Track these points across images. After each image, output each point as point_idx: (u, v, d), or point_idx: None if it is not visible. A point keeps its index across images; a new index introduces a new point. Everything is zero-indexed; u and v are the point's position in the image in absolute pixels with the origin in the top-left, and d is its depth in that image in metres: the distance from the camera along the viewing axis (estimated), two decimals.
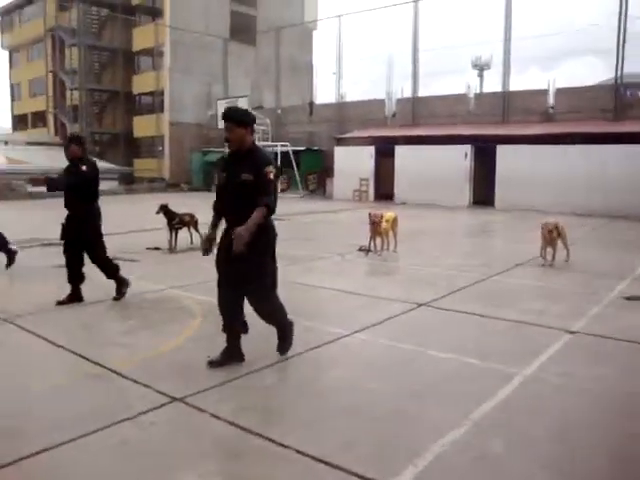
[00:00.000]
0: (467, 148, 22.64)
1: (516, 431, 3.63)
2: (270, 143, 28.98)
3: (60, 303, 6.73)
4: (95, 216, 6.98)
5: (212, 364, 4.63)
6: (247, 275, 4.52)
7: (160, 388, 4.16)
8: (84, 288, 7.00)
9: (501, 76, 25.75)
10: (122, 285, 7.12)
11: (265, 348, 5.06)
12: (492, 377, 4.52)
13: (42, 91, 44.72)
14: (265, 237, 4.55)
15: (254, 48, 39.32)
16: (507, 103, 24.59)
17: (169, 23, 35.35)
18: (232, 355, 4.75)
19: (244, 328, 4.88)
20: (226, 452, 3.38)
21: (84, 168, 6.81)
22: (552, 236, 9.24)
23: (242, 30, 38.57)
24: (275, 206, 4.50)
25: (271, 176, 4.44)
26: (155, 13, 37.90)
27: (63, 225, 6.89)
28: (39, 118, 46.68)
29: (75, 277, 6.88)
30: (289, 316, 4.99)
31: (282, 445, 3.38)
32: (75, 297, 6.88)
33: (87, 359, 4.84)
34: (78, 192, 6.80)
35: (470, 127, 23.82)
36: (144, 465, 3.20)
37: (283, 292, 7.37)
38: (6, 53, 50.36)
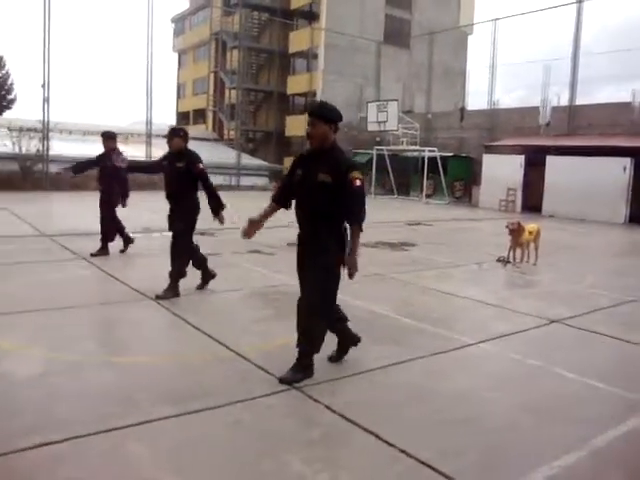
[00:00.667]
0: (626, 161, 21.22)
1: None
2: (418, 148, 28.84)
3: (200, 288, 7.22)
4: (188, 210, 7.04)
5: (282, 381, 4.28)
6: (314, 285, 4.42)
7: (280, 376, 4.35)
8: (224, 276, 7.43)
9: None
10: (207, 277, 7.36)
11: (391, 349, 5.13)
12: (620, 404, 4.26)
13: (204, 90, 47.50)
14: (336, 253, 4.42)
15: (407, 52, 39.30)
16: None
17: (324, 26, 36.20)
18: (306, 367, 4.42)
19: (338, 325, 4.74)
20: (332, 442, 3.48)
21: (179, 165, 6.99)
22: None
23: (396, 34, 38.69)
24: (364, 218, 4.30)
25: (358, 183, 4.16)
26: (312, 17, 39.01)
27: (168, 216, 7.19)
28: (200, 115, 49.63)
29: (197, 263, 7.25)
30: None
31: (387, 442, 3.42)
32: (204, 281, 7.35)
33: (219, 342, 5.17)
34: (173, 186, 7.09)
35: (632, 139, 22.27)
36: (252, 444, 3.38)
37: (415, 296, 7.49)
38: (176, 55, 54.06)
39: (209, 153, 36.50)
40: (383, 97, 34.17)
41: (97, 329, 5.68)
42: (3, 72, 56.38)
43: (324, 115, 4.26)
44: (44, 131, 26.30)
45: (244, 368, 4.57)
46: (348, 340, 4.81)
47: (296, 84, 40.17)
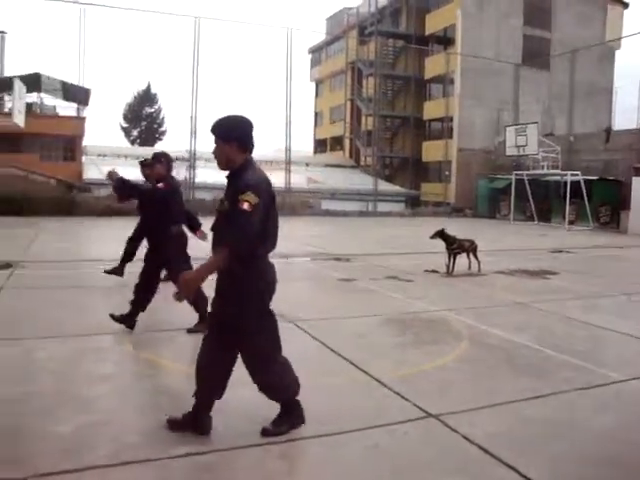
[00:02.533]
0: None
1: None
2: (559, 172, 27.68)
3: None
4: (167, 239, 6.40)
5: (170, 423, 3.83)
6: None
7: (418, 402, 4.36)
8: (361, 301, 7.54)
9: None
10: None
11: (531, 381, 4.99)
12: None
13: (340, 118, 48.58)
14: (239, 288, 3.61)
15: (547, 72, 38.02)
16: None
17: (460, 51, 35.91)
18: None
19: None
20: (470, 474, 3.42)
21: (160, 185, 6.40)
22: None
23: (535, 54, 37.58)
24: (248, 245, 3.48)
25: (245, 206, 3.41)
26: (447, 42, 38.88)
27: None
28: (336, 142, 50.74)
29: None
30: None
31: (525, 478, 3.33)
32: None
33: (357, 367, 5.25)
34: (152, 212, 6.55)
35: None
36: (389, 470, 3.41)
37: (558, 326, 7.21)
38: (313, 85, 55.78)
39: (346, 180, 37.35)
40: (522, 120, 33.23)
41: None
42: (156, 107, 60.90)
43: (219, 134, 3.70)
44: (191, 160, 28.07)
45: (381, 393, 4.62)
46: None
47: (432, 109, 40.05)
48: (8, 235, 16.76)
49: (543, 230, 24.89)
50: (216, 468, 3.41)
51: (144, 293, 6.24)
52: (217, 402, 3.80)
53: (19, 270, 10.41)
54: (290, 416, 3.84)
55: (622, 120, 48.33)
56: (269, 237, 3.66)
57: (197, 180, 28.56)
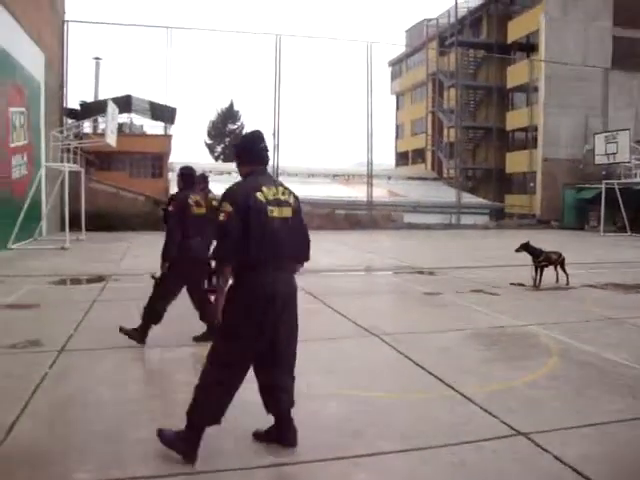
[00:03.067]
0: None
1: None
2: None
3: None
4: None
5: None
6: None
7: (506, 420, 4.24)
8: (446, 315, 7.43)
9: None
10: (131, 333, 6.40)
11: (627, 401, 4.78)
12: None
13: (422, 130, 48.25)
14: (227, 300, 3.58)
15: (639, 75, 36.39)
16: None
17: (544, 57, 34.95)
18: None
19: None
20: None
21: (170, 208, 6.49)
22: None
23: (626, 56, 36.03)
24: (225, 253, 3.54)
25: (220, 217, 3.52)
26: (530, 49, 37.88)
27: None
28: (418, 155, 50.40)
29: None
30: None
31: None
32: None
33: (443, 381, 5.18)
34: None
35: None
36: None
37: None
38: (393, 98, 55.73)
39: (428, 192, 37.03)
40: (612, 127, 31.97)
41: (324, 362, 5.96)
42: (238, 124, 62.34)
43: (234, 151, 4.05)
44: (274, 175, 28.53)
45: (468, 409, 4.53)
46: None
47: (516, 119, 39.15)
48: (101, 249, 17.55)
49: (636, 242, 23.80)
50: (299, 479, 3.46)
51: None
52: (307, 414, 3.84)
53: (111, 283, 10.87)
54: (187, 441, 3.58)
55: None
56: (255, 246, 3.51)
57: None
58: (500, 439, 3.97)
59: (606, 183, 28.25)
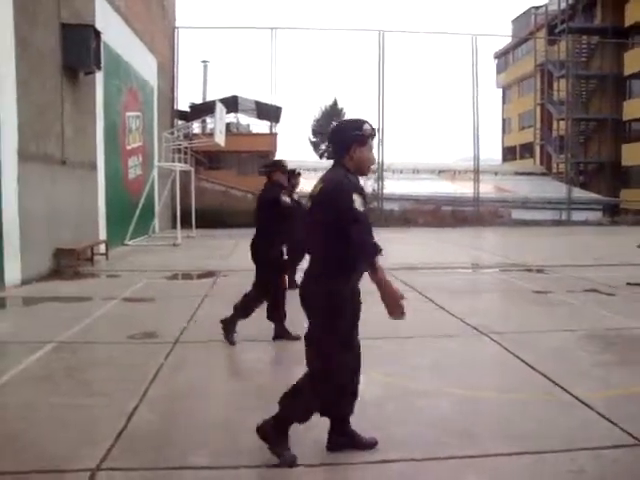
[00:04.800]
0: None
1: None
2: None
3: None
4: None
5: None
6: None
7: (627, 428, 4.00)
8: (556, 314, 7.15)
9: None
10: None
11: None
12: None
13: (530, 123, 46.59)
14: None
15: None
16: None
17: None
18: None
19: None
20: None
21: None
22: None
23: None
24: None
25: None
26: None
27: None
28: (526, 149, 48.75)
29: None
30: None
31: None
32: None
33: (556, 383, 4.98)
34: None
35: None
36: None
37: None
38: (499, 91, 54.24)
39: (537, 188, 35.75)
40: None
41: (431, 359, 5.89)
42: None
43: None
44: (379, 171, 28.51)
45: (583, 414, 4.32)
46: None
47: (634, 108, 36.87)
48: (210, 246, 18.17)
49: None
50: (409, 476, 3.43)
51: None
52: (414, 411, 3.80)
53: (221, 278, 11.23)
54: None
55: None
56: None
57: (385, 191, 29.00)
58: (621, 448, 3.74)
59: None
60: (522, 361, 5.68)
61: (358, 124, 3.55)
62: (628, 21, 37.04)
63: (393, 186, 29.53)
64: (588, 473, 3.44)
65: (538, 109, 44.32)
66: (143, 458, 3.59)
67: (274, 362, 6.04)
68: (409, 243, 18.85)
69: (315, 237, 3.53)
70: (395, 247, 15.92)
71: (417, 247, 17.99)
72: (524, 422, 4.17)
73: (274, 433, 3.50)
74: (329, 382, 3.45)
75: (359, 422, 3.82)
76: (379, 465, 3.52)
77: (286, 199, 6.29)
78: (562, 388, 4.86)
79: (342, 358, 3.47)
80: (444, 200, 30.28)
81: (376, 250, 3.27)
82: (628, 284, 10.59)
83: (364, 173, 3.65)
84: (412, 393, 4.75)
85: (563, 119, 38.10)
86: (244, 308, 6.45)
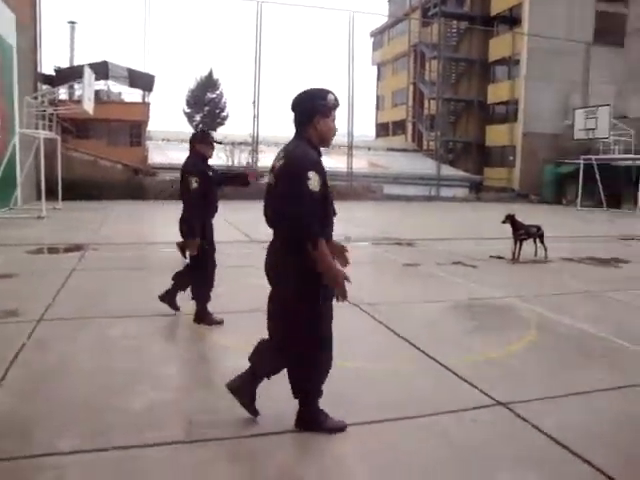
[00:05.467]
0: None
1: None
2: (632, 156, 26.66)
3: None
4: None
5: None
6: None
7: (486, 390, 4.29)
8: (425, 286, 7.46)
9: None
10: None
11: (604, 372, 4.85)
12: None
13: (403, 101, 48.05)
14: None
15: (621, 51, 36.36)
16: None
17: (527, 31, 34.84)
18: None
19: None
20: (541, 464, 3.33)
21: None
22: None
23: (608, 32, 35.96)
24: None
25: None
26: (513, 22, 37.70)
27: None
28: (399, 126, 50.26)
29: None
30: None
31: (605, 475, 3.21)
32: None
33: (425, 352, 5.21)
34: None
35: None
36: (458, 457, 3.38)
37: (633, 317, 6.95)
38: (374, 68, 55.36)
39: (409, 164, 36.98)
40: (592, 102, 32.08)
41: None
42: (218, 92, 61.58)
43: None
44: (254, 144, 28.37)
45: (449, 380, 4.57)
46: None
47: (497, 92, 39.07)
48: (78, 218, 17.34)
49: (612, 217, 24.09)
50: (284, 448, 3.46)
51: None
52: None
53: (89, 252, 10.75)
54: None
55: None
56: None
57: (260, 164, 28.89)
58: (481, 409, 4.01)
59: (584, 159, 28.46)
60: (392, 331, 5.90)
61: (322, 94, 3.49)
62: (493, 11, 39.26)
63: (268, 160, 29.51)
64: (450, 434, 3.64)
65: (411, 88, 45.78)
66: (4, 446, 3.38)
67: (140, 337, 5.83)
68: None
69: (277, 212, 3.46)
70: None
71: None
72: (397, 390, 4.33)
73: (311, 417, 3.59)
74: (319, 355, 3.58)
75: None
76: (254, 438, 3.54)
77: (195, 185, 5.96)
78: (429, 356, 5.10)
79: (318, 330, 3.55)
80: None
81: (311, 233, 3.25)
82: (491, 257, 11.26)
83: (327, 144, 3.59)
84: None
85: (434, 98, 39.63)
86: (181, 283, 6.23)
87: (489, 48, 39.51)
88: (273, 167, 3.55)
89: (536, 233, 11.39)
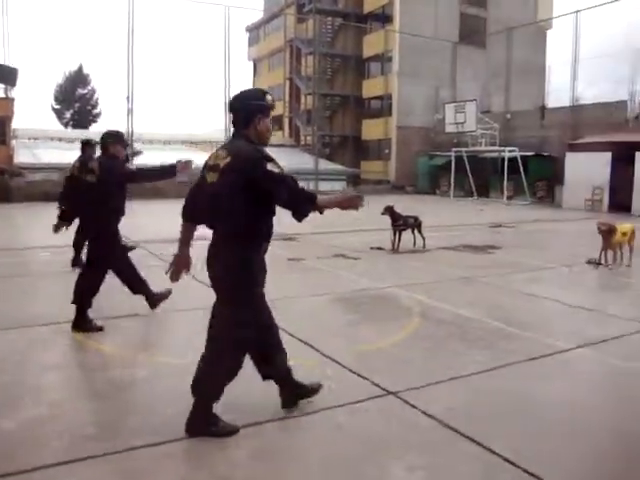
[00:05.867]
0: None
1: None
2: (497, 148, 28.25)
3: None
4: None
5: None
6: None
7: (376, 380, 4.35)
8: (310, 280, 7.49)
9: None
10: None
11: (484, 354, 5.05)
12: None
13: (279, 97, 48.09)
14: None
15: (484, 51, 38.50)
16: None
17: (398, 29, 35.98)
18: None
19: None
20: (433, 448, 3.43)
21: None
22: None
23: (472, 32, 38.02)
24: None
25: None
26: (385, 20, 38.86)
27: None
28: (276, 122, 50.22)
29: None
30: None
31: (490, 450, 3.36)
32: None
33: (311, 346, 5.20)
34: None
35: None
36: (356, 450, 3.39)
37: (505, 299, 7.34)
38: (251, 64, 55.08)
39: (287, 159, 36.99)
40: (460, 98, 33.64)
41: (185, 332, 5.75)
42: (89, 88, 59.03)
43: None
44: (129, 142, 27.38)
45: (338, 373, 4.58)
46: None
47: (371, 88, 40.11)
48: None
49: (482, 205, 25.39)
50: (175, 457, 3.32)
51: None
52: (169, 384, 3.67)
53: None
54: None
55: (557, 97, 49.81)
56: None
57: (135, 162, 27.90)
58: (372, 399, 4.05)
59: (455, 151, 29.85)
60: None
61: (260, 94, 3.60)
62: (366, 8, 40.28)
63: (143, 157, 28.55)
64: (344, 428, 3.65)
65: (287, 83, 45.90)
66: None
67: (11, 351, 5.43)
68: (157, 215, 18.32)
69: (223, 209, 3.43)
70: (146, 220, 15.51)
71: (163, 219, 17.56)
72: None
73: (204, 419, 3.50)
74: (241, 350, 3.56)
75: (125, 406, 3.63)
76: (143, 450, 3.37)
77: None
78: (317, 350, 5.09)
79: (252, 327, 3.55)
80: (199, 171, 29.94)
81: (312, 196, 3.45)
82: (371, 248, 11.50)
83: (266, 143, 3.61)
84: (183, 369, 4.63)
85: (310, 94, 39.94)
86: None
87: (363, 44, 40.43)
88: (214, 165, 3.49)
89: (414, 223, 11.77)
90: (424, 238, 11.70)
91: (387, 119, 37.54)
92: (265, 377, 3.80)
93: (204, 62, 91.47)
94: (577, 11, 29.53)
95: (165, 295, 6.18)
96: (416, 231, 11.78)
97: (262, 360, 3.72)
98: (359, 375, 4.48)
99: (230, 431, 3.51)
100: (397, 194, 31.73)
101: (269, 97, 3.60)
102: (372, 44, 39.29)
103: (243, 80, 59.58)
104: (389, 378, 4.41)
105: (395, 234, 11.36)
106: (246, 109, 3.54)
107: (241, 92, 3.62)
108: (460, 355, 5.07)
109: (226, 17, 30.86)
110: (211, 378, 3.51)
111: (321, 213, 3.54)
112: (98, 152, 6.37)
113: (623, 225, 9.92)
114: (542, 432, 3.65)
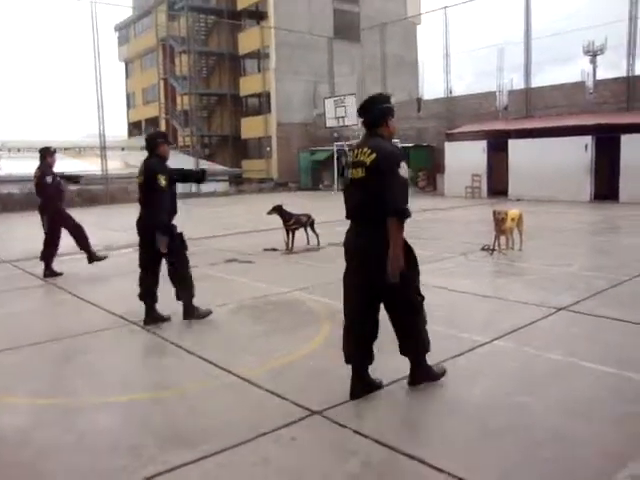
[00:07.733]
0: (587, 139, 21.21)
1: None
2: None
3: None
4: None
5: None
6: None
7: (296, 400, 3.95)
8: (206, 290, 6.99)
9: (620, 61, 24.03)
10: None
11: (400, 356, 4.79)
12: None
13: (155, 98, 46.51)
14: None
15: (359, 45, 38.98)
16: (632, 89, 22.84)
17: (273, 25, 35.71)
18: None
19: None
20: (376, 472, 3.10)
21: None
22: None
23: (346, 28, 38.40)
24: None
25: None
26: (260, 16, 38.42)
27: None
28: (152, 124, 48.56)
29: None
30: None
31: (435, 468, 3.06)
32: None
33: (219, 366, 4.72)
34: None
35: (590, 117, 22.32)
36: None
37: None
38: (122, 65, 52.90)
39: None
40: (338, 92, 33.88)
41: (81, 365, 5.13)
42: None
43: None
44: None
45: (255, 395, 4.14)
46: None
47: (249, 85, 39.58)
48: None
49: None
50: None
51: None
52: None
53: None
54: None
55: (432, 89, 52.34)
56: None
57: (0, 173, 25.79)
58: (296, 423, 3.65)
59: (337, 145, 29.94)
60: (180, 348, 5.28)
61: (388, 98, 4.15)
62: (240, 5, 39.64)
63: (10, 166, 26.49)
64: (271, 460, 3.22)
65: (162, 83, 44.43)
66: None
67: None
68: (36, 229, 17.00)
69: (371, 199, 3.89)
70: (22, 234, 14.30)
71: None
72: (198, 419, 3.79)
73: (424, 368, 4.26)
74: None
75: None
76: None
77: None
78: (227, 370, 4.62)
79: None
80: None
81: (406, 213, 3.92)
82: (265, 250, 11.08)
83: (394, 139, 4.37)
84: (68, 412, 4.03)
85: (186, 94, 38.89)
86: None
87: (238, 42, 39.79)
88: (359, 162, 3.91)
89: (307, 222, 11.47)
90: (318, 235, 11.44)
91: (266, 116, 37.19)
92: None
93: (74, 64, 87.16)
94: (445, 7, 30.48)
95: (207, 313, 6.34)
96: (309, 229, 11.49)
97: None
98: (278, 395, 4.06)
99: (444, 371, 4.34)
100: (281, 191, 31.52)
101: (393, 100, 4.12)
102: (247, 41, 38.79)
103: (115, 82, 57.23)
104: (310, 395, 4.03)
105: (288, 234, 11.02)
106: (380, 110, 4.04)
107: (371, 97, 4.14)
108: (379, 360, 4.76)
109: (93, 14, 29.17)
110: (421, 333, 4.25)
111: (396, 231, 3.98)
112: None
113: (511, 211, 10.13)
114: (485, 438, 3.41)
